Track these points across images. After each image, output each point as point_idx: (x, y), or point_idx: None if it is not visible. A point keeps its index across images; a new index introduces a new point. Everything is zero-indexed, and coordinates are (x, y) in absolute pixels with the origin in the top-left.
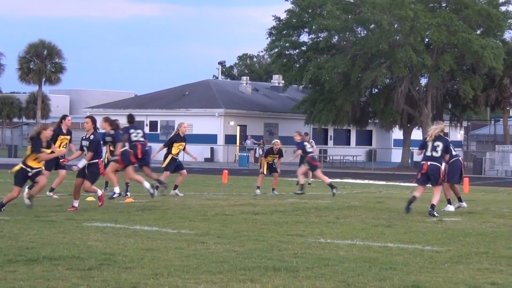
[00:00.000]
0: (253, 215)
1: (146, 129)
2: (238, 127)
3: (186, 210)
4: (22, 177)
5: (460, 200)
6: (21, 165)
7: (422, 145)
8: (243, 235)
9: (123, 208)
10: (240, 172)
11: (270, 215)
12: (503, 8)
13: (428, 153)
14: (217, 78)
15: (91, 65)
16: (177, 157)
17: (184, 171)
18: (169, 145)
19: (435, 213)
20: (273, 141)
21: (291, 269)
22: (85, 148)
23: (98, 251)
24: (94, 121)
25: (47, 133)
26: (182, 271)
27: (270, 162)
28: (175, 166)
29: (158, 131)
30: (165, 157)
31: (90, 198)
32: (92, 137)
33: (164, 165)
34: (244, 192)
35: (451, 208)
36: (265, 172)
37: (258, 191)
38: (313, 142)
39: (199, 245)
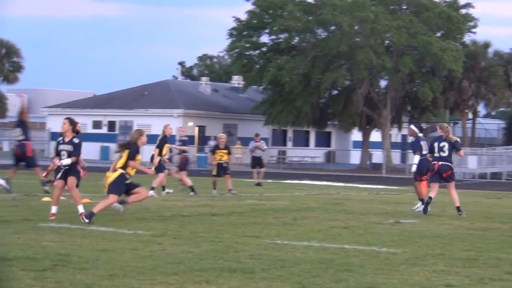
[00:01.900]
0: (210, 216)
1: (105, 129)
2: (197, 128)
3: (142, 211)
4: (122, 184)
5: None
6: (121, 171)
7: (430, 149)
8: (199, 236)
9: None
10: (198, 172)
11: (227, 216)
12: (463, 11)
13: (436, 154)
14: (177, 78)
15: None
16: (164, 162)
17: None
18: (161, 148)
19: (462, 213)
20: (218, 135)
21: (247, 271)
22: (64, 152)
23: (53, 252)
24: (72, 123)
25: (144, 139)
26: (137, 272)
27: (221, 163)
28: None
29: (117, 131)
30: (152, 159)
31: (46, 199)
32: (76, 140)
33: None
34: (202, 193)
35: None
36: (215, 174)
37: (214, 192)
38: (264, 143)
39: (155, 246)
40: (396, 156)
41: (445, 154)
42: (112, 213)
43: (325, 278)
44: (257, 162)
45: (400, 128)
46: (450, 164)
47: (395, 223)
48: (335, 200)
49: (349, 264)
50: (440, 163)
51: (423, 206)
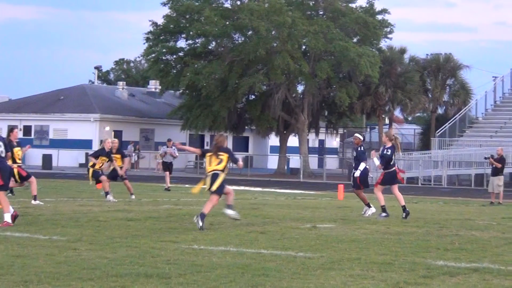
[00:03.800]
0: (127, 221)
1: (20, 134)
2: (113, 133)
3: (58, 216)
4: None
5: (369, 206)
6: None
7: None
8: (115, 242)
9: None
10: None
11: (144, 221)
12: (379, 17)
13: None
14: (93, 83)
15: None
16: (99, 170)
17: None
18: (95, 157)
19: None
20: (112, 139)
21: (163, 276)
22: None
23: None
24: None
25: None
26: (52, 278)
27: (97, 170)
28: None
29: (32, 136)
30: (88, 171)
31: None
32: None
33: (90, 179)
34: (119, 198)
35: (371, 210)
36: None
37: (109, 197)
38: (175, 149)
39: (70, 252)
40: (313, 161)
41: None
42: (27, 218)
43: (241, 283)
44: (167, 167)
45: (317, 133)
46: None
47: (312, 228)
48: (252, 205)
49: (265, 268)
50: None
51: (372, 210)
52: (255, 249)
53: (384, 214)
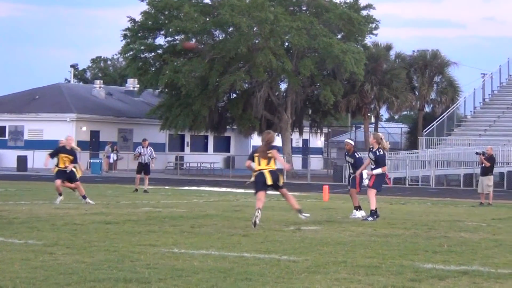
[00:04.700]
0: (105, 224)
1: None
2: (90, 133)
3: (34, 220)
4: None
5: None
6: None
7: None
8: (93, 246)
9: None
10: (92, 179)
11: (122, 225)
12: (364, 12)
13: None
14: (69, 81)
15: None
16: (65, 169)
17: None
18: (54, 155)
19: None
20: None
21: (143, 281)
22: None
23: None
24: None
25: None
26: (28, 284)
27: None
28: (66, 177)
29: (7, 137)
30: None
31: None
32: None
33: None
34: (96, 201)
35: (360, 213)
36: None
37: (59, 199)
38: (151, 150)
39: (47, 256)
40: (297, 161)
41: None
42: (1, 222)
43: None
44: (142, 168)
45: (301, 133)
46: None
47: (296, 230)
48: (234, 207)
49: (248, 272)
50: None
51: (361, 213)
52: (237, 252)
53: (371, 218)
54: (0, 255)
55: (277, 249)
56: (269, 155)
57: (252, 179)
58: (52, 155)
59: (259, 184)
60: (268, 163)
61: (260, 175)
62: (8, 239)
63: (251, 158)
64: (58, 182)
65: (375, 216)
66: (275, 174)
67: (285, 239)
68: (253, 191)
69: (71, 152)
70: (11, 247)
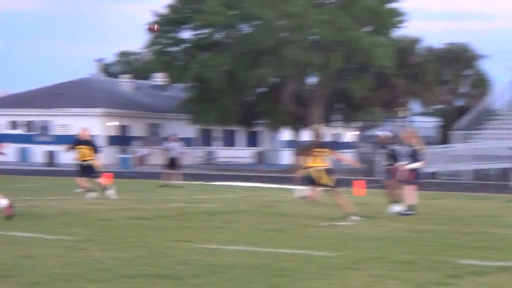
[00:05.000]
0: (137, 220)
1: (22, 130)
2: (119, 128)
3: (66, 216)
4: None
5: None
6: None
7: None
8: (126, 241)
9: None
10: (122, 174)
11: (154, 220)
12: (391, 5)
13: None
14: (94, 76)
15: None
16: (83, 162)
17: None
18: (73, 148)
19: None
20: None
21: (176, 277)
22: None
23: None
24: None
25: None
26: (62, 280)
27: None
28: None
29: (35, 132)
30: None
31: None
32: None
33: None
34: (127, 196)
35: (396, 208)
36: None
37: (91, 194)
38: (178, 145)
39: (80, 252)
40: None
41: None
42: (34, 218)
43: (259, 284)
44: (171, 163)
45: (331, 127)
46: None
47: (330, 226)
48: (266, 202)
49: (283, 269)
50: None
51: (397, 208)
52: (271, 248)
53: (406, 212)
54: (33, 251)
55: (312, 244)
56: (323, 152)
57: (305, 174)
58: (70, 148)
59: (313, 181)
60: (321, 160)
61: (316, 172)
62: (42, 235)
63: (301, 154)
64: (81, 180)
65: (411, 211)
66: (329, 172)
67: (319, 235)
68: (303, 186)
69: (89, 143)
70: (44, 243)
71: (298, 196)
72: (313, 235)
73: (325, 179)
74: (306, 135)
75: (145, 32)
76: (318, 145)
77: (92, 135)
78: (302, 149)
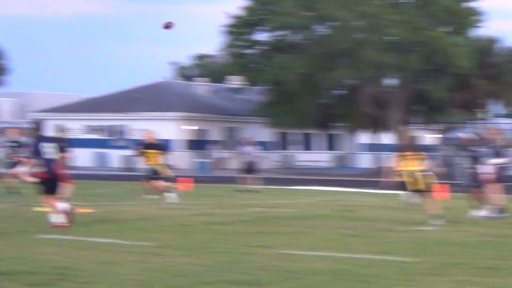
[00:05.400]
0: (213, 225)
1: (98, 134)
2: (196, 132)
3: (143, 221)
4: None
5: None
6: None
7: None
8: (203, 247)
9: (78, 219)
10: (199, 179)
11: (231, 225)
12: (470, 4)
13: None
14: (169, 79)
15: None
16: (152, 166)
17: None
18: (140, 154)
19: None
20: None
21: (254, 283)
22: None
23: (52, 265)
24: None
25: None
26: (140, 286)
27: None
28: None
29: (111, 137)
30: None
31: (39, 209)
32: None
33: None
34: (203, 201)
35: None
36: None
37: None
38: (254, 148)
39: (157, 258)
40: None
41: None
42: (112, 223)
43: None
44: (247, 167)
45: (411, 130)
46: None
47: (409, 231)
48: (345, 207)
49: (363, 274)
50: None
51: (482, 212)
52: (350, 253)
53: (493, 215)
54: (109, 256)
55: (391, 250)
56: (419, 156)
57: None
58: (139, 154)
59: (409, 185)
60: (418, 164)
61: (411, 175)
62: (119, 240)
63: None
64: (153, 183)
65: (503, 214)
66: (427, 177)
67: (397, 240)
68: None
69: (156, 146)
70: (122, 248)
71: (406, 200)
72: (392, 240)
73: (420, 183)
74: (385, 138)
75: (162, 28)
76: (411, 148)
77: (161, 139)
78: (396, 152)
